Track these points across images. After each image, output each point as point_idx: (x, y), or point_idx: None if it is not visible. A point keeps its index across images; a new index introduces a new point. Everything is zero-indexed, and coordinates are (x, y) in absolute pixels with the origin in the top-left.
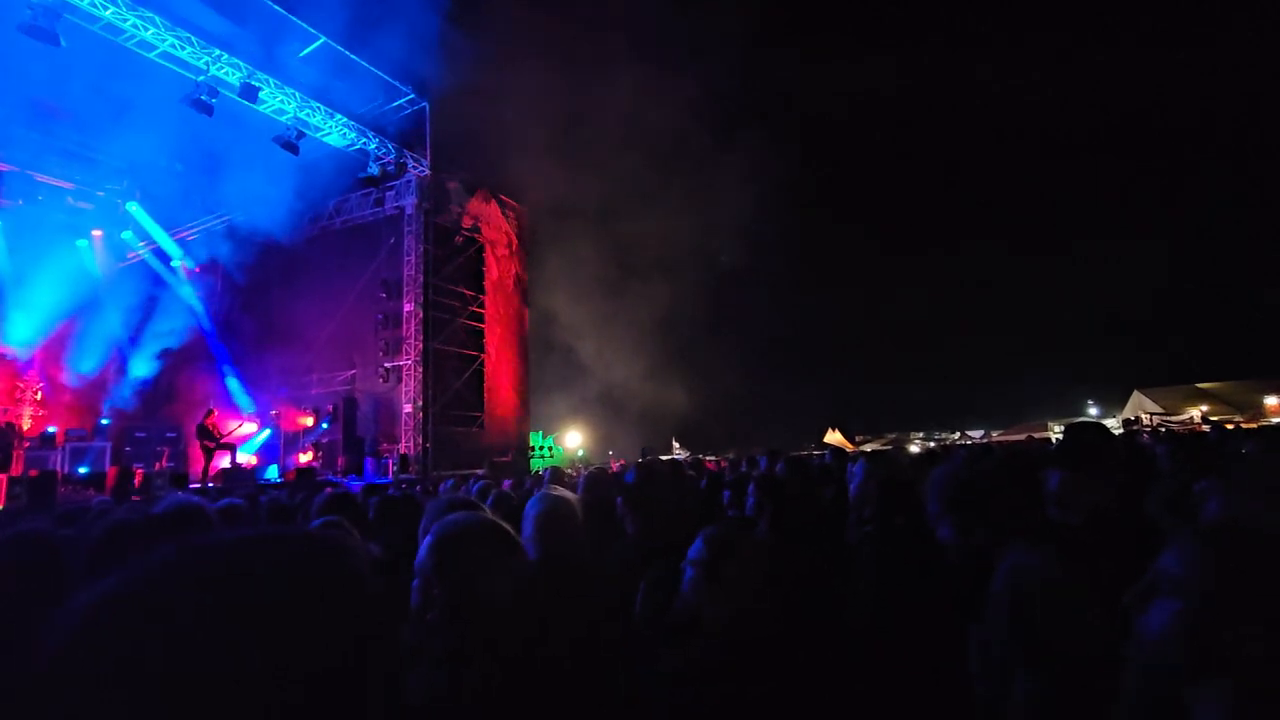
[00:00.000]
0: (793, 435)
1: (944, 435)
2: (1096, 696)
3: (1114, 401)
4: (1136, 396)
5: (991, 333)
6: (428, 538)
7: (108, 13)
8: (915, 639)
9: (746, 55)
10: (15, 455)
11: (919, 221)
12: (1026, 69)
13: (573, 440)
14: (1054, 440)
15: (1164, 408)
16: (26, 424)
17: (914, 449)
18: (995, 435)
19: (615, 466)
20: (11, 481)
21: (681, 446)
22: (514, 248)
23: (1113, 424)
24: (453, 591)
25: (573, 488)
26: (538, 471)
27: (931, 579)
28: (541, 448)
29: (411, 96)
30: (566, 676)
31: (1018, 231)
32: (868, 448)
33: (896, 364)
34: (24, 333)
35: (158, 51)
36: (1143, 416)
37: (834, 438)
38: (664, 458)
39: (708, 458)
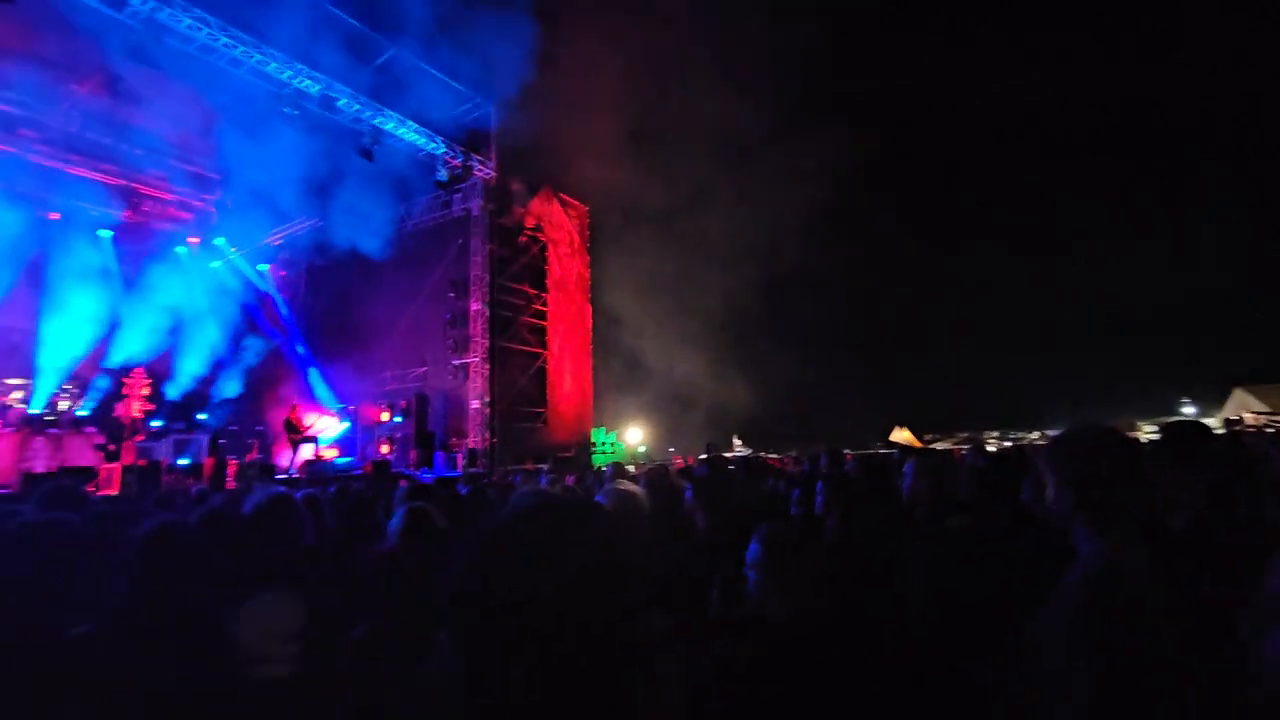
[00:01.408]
0: (858, 433)
1: (1020, 434)
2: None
3: (1210, 400)
4: (1238, 395)
5: (1073, 328)
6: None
7: (202, 33)
8: (968, 639)
9: (811, 50)
10: (126, 446)
11: (994, 212)
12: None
13: (634, 437)
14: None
15: (1271, 406)
16: (136, 418)
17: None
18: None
19: (677, 463)
20: (124, 470)
21: (743, 444)
22: (576, 246)
23: (1212, 424)
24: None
25: (634, 483)
26: (600, 467)
27: (987, 579)
28: (604, 444)
29: (477, 101)
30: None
31: (1099, 219)
32: (938, 447)
33: (969, 360)
34: (133, 334)
35: (246, 68)
36: (1245, 416)
37: (901, 436)
38: (726, 454)
39: (770, 455)
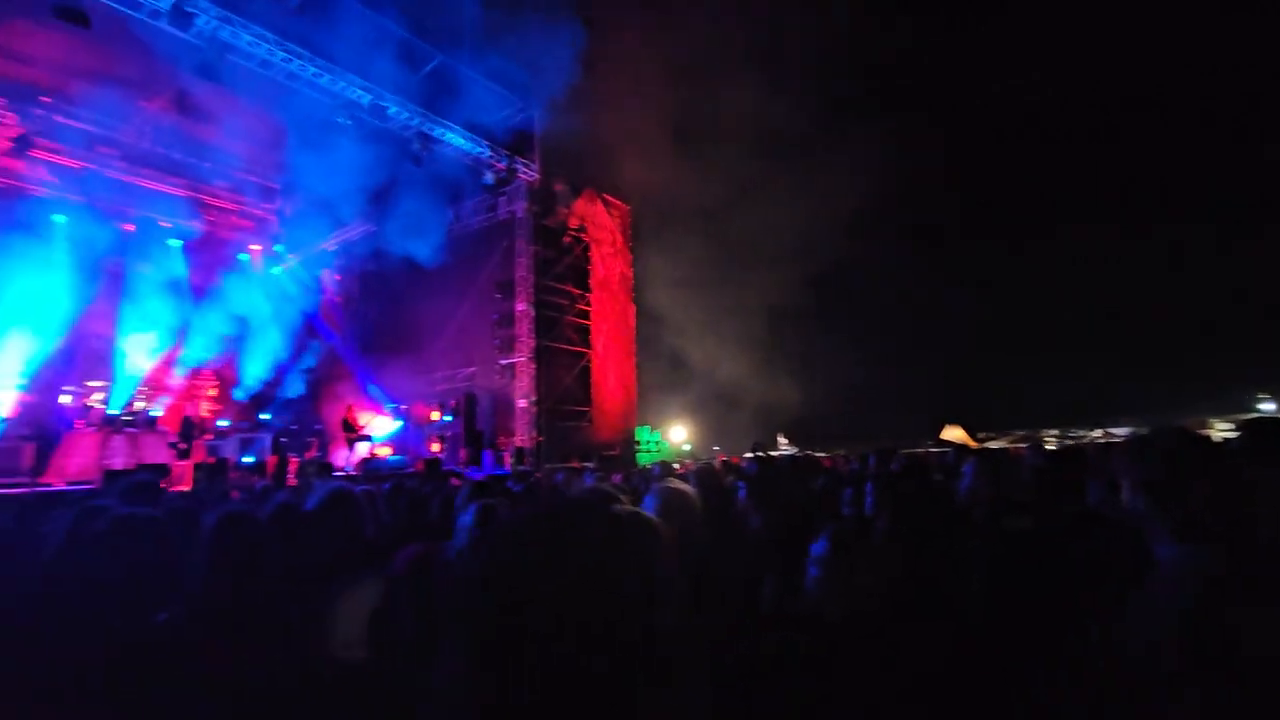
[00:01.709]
0: (908, 431)
1: (1082, 432)
2: None
3: None
4: None
5: (1137, 322)
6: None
7: (261, 49)
8: (1029, 642)
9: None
10: (196, 445)
11: (1053, 206)
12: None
13: (678, 435)
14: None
15: None
16: (204, 418)
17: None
18: (1133, 435)
19: (720, 461)
20: (195, 467)
21: (790, 442)
22: (618, 245)
23: None
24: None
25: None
26: (645, 465)
27: (1049, 581)
28: (648, 442)
29: (521, 104)
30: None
31: (1159, 211)
32: (992, 445)
33: (1026, 355)
34: (201, 338)
35: (301, 80)
36: None
37: (954, 434)
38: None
39: (818, 454)
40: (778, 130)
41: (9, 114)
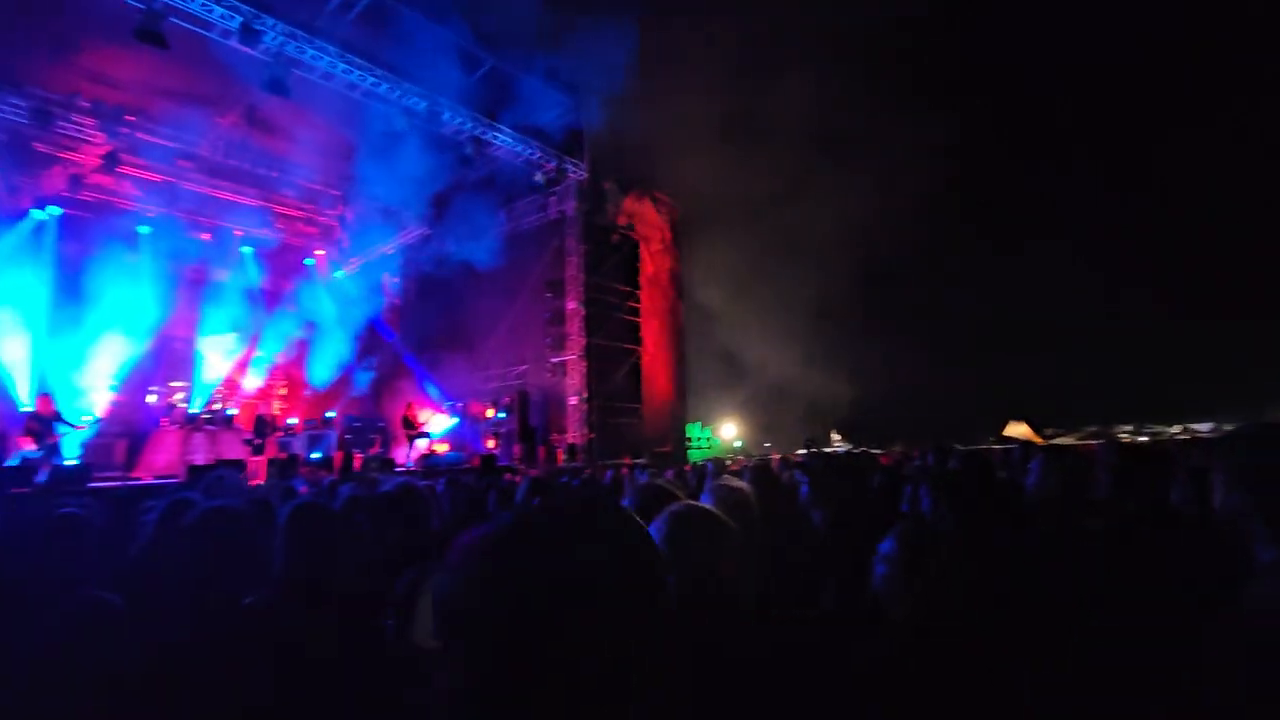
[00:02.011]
0: (968, 428)
1: (1160, 428)
2: None
3: None
4: None
5: (1215, 310)
6: (655, 525)
7: (323, 62)
8: (1104, 645)
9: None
10: (269, 441)
11: (1119, 188)
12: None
13: (728, 432)
14: None
15: None
16: (276, 416)
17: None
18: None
19: (776, 458)
20: (269, 463)
21: (843, 439)
22: (667, 243)
23: None
24: (685, 576)
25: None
26: (696, 462)
27: (1127, 583)
28: (698, 439)
29: (570, 104)
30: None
31: (1228, 194)
32: (1061, 442)
33: (1095, 349)
34: (272, 340)
35: (360, 91)
36: None
37: (1018, 430)
38: (825, 450)
39: (873, 451)
40: (830, 122)
41: (99, 133)
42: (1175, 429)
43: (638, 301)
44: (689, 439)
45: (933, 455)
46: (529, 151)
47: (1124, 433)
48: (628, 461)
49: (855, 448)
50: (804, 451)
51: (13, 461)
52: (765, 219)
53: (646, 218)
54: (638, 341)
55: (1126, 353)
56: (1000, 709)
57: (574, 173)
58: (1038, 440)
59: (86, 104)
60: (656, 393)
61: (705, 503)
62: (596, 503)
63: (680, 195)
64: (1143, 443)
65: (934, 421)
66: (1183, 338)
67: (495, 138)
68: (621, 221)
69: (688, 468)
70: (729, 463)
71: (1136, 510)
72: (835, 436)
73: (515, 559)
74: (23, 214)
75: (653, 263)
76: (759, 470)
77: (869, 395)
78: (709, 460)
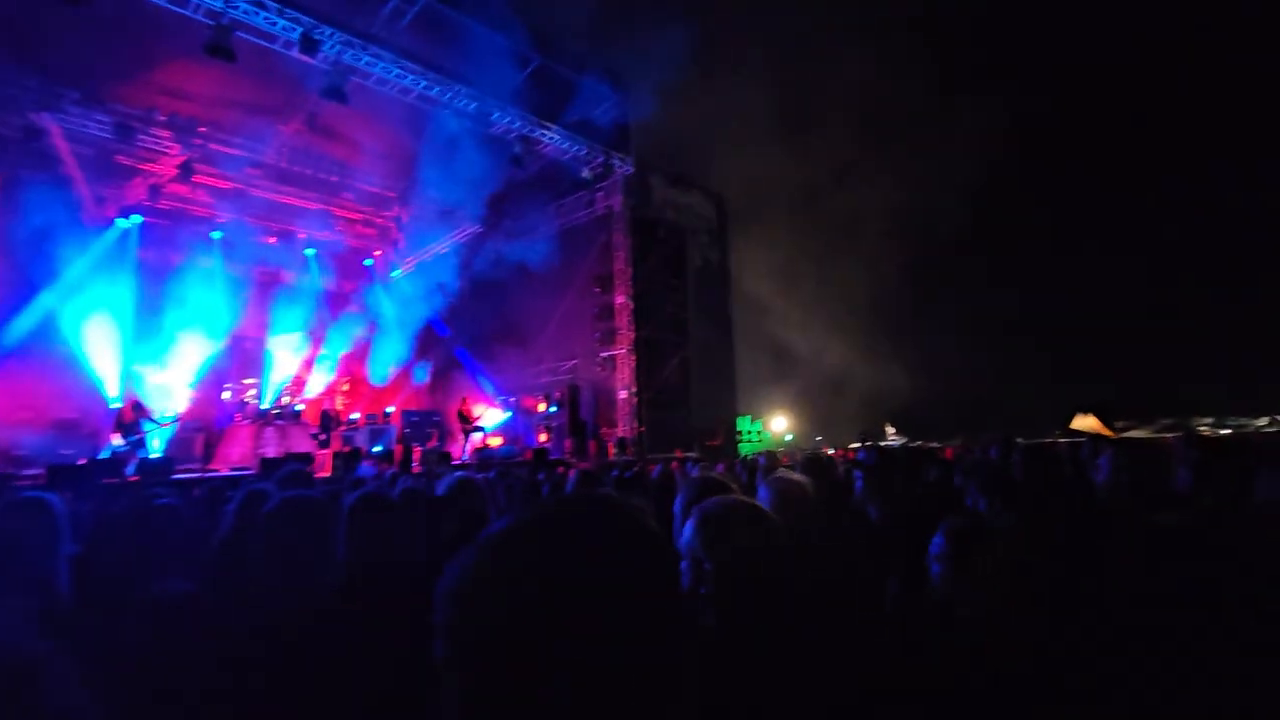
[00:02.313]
0: (1033, 420)
1: (1245, 421)
2: None
3: None
4: None
5: None
6: (693, 517)
7: (377, 68)
8: (1181, 649)
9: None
10: (334, 435)
11: (1192, 169)
12: None
13: (779, 425)
14: None
15: None
16: (339, 411)
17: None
18: None
19: (827, 451)
20: (334, 456)
21: (898, 432)
22: (714, 234)
23: None
24: (723, 568)
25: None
26: (747, 455)
27: (1208, 583)
28: (749, 432)
29: (615, 99)
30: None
31: None
32: (1134, 435)
33: (1173, 336)
34: (336, 339)
35: (413, 95)
36: None
37: (1086, 423)
38: (881, 444)
39: (931, 445)
40: (881, 106)
41: (174, 145)
42: (1261, 421)
43: (686, 294)
44: (739, 432)
45: (995, 449)
46: (576, 148)
47: (1203, 425)
48: (678, 455)
49: (911, 441)
50: (858, 445)
51: (104, 454)
52: (815, 208)
53: (694, 210)
54: (687, 334)
55: (1206, 341)
56: (1066, 712)
57: (620, 167)
58: (1108, 433)
59: (163, 117)
60: (706, 386)
61: (762, 496)
62: (601, 499)
63: (727, 186)
64: (1224, 435)
65: (996, 414)
66: (1270, 325)
67: (543, 135)
68: (668, 215)
69: (738, 461)
70: (781, 456)
71: (1216, 506)
72: (890, 430)
73: (511, 558)
74: (109, 223)
75: (700, 255)
76: (813, 463)
77: (925, 388)
78: (760, 454)
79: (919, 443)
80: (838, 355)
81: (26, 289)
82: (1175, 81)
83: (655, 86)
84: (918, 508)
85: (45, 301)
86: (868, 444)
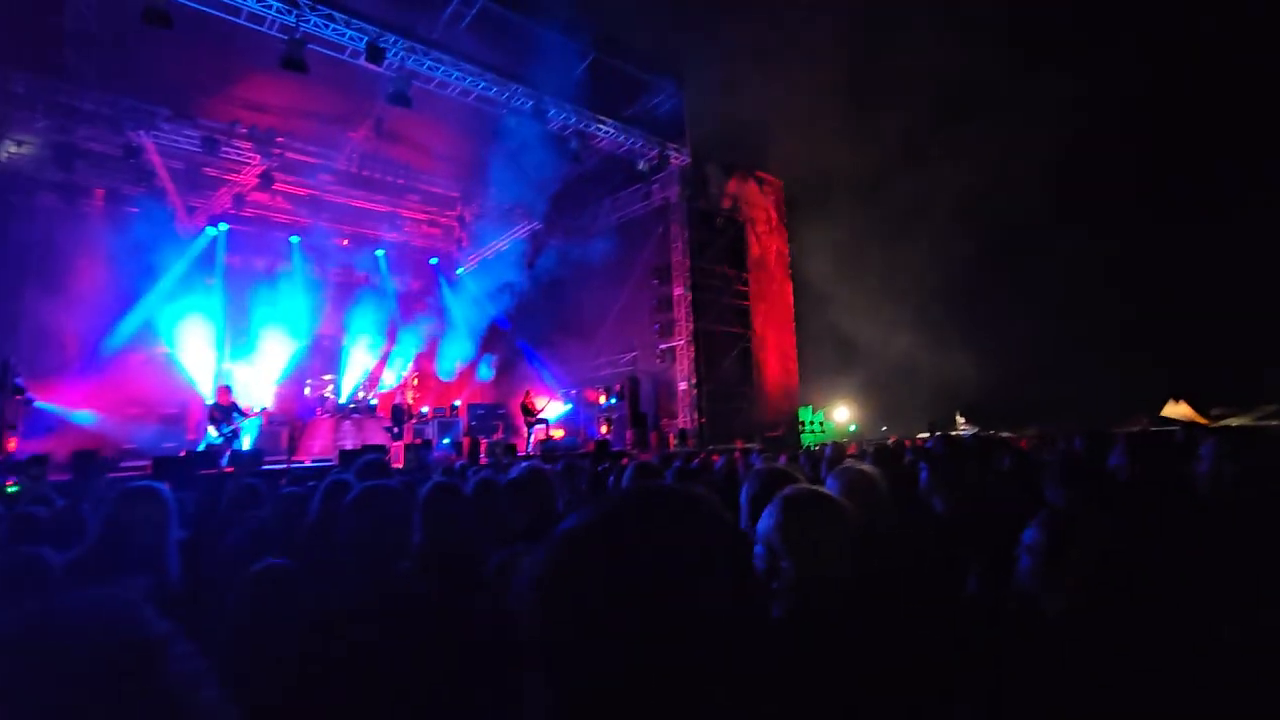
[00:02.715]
0: (1116, 408)
1: None
2: None
3: None
4: None
5: None
6: (771, 507)
7: (439, 71)
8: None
9: None
10: (406, 428)
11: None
12: None
13: (842, 415)
14: None
15: None
16: (410, 405)
17: None
18: None
19: (894, 442)
20: (405, 448)
21: (968, 422)
22: (773, 223)
23: None
24: (800, 560)
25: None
26: (811, 446)
27: None
28: (811, 423)
29: (670, 89)
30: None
31: None
32: (1232, 423)
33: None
34: (406, 335)
35: (473, 95)
36: None
37: (1178, 410)
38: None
39: (1004, 435)
40: (947, 82)
41: (255, 155)
42: None
43: (746, 285)
44: (802, 423)
45: (1080, 440)
46: (631, 140)
47: None
48: (739, 446)
49: (983, 431)
50: (927, 436)
51: (201, 447)
52: (881, 191)
53: (751, 199)
54: (747, 325)
55: None
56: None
57: (676, 158)
58: (1202, 421)
59: (244, 130)
60: (767, 377)
61: (829, 487)
62: (678, 490)
63: (786, 173)
64: None
65: (1074, 402)
66: None
67: (599, 130)
68: (726, 204)
69: (802, 452)
70: (848, 446)
71: None
72: (960, 420)
73: (595, 548)
74: (199, 231)
75: (759, 244)
76: (882, 453)
77: (997, 376)
78: (826, 444)
79: (991, 433)
80: (905, 343)
81: (130, 295)
82: (1276, 51)
83: (711, 75)
84: (991, 500)
85: (146, 306)
86: (937, 434)
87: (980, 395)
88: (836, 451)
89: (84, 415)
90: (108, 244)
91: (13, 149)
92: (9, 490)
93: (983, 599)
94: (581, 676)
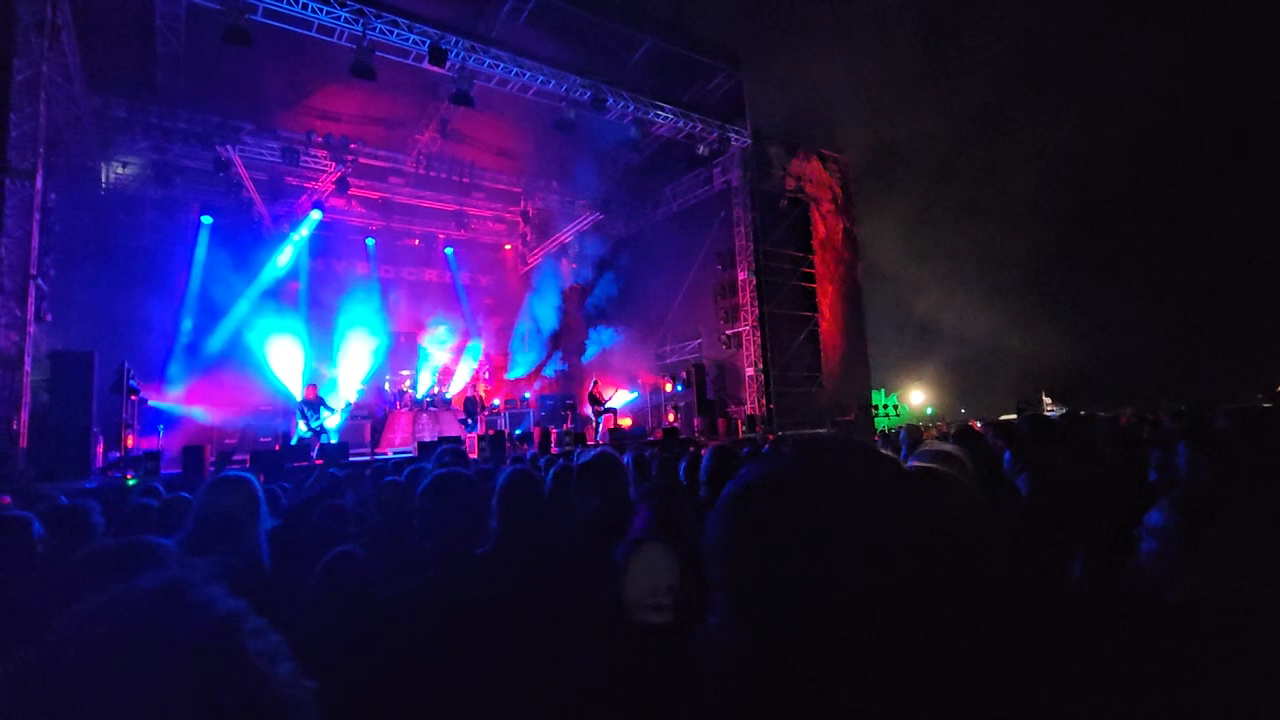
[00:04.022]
0: (1224, 385)
1: None
2: None
3: None
4: None
5: None
6: (917, 461)
7: (499, 69)
8: None
9: None
10: (480, 419)
11: None
12: None
13: (917, 398)
14: None
15: None
16: (483, 398)
17: None
18: None
19: (976, 427)
20: (479, 439)
21: (1055, 403)
22: (839, 202)
23: None
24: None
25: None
26: (886, 430)
27: None
28: (884, 406)
29: (728, 70)
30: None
31: None
32: None
33: None
34: (478, 331)
35: (532, 90)
36: None
37: None
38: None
39: (1098, 414)
40: (1025, 45)
41: (331, 162)
42: None
43: (812, 267)
44: (875, 406)
45: (1189, 417)
46: (691, 125)
47: None
48: (812, 431)
49: (1072, 411)
50: (1013, 417)
51: (293, 441)
52: (955, 163)
53: (816, 177)
54: (814, 308)
55: None
56: None
57: (737, 141)
58: None
59: (320, 139)
60: (837, 360)
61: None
62: (859, 445)
63: (854, 148)
64: None
65: (1178, 379)
66: None
67: (658, 116)
68: (789, 185)
69: (876, 436)
70: (926, 430)
71: None
72: (1047, 400)
73: (770, 504)
74: (284, 237)
75: (825, 224)
76: (965, 435)
77: (1084, 353)
78: (902, 427)
79: (1082, 413)
80: (984, 322)
81: (225, 299)
82: None
83: (771, 53)
84: (1092, 482)
85: (240, 309)
86: (1025, 414)
87: (1068, 374)
88: (913, 434)
89: (191, 411)
90: (204, 252)
91: (119, 169)
92: (129, 483)
93: (1091, 585)
94: (774, 613)
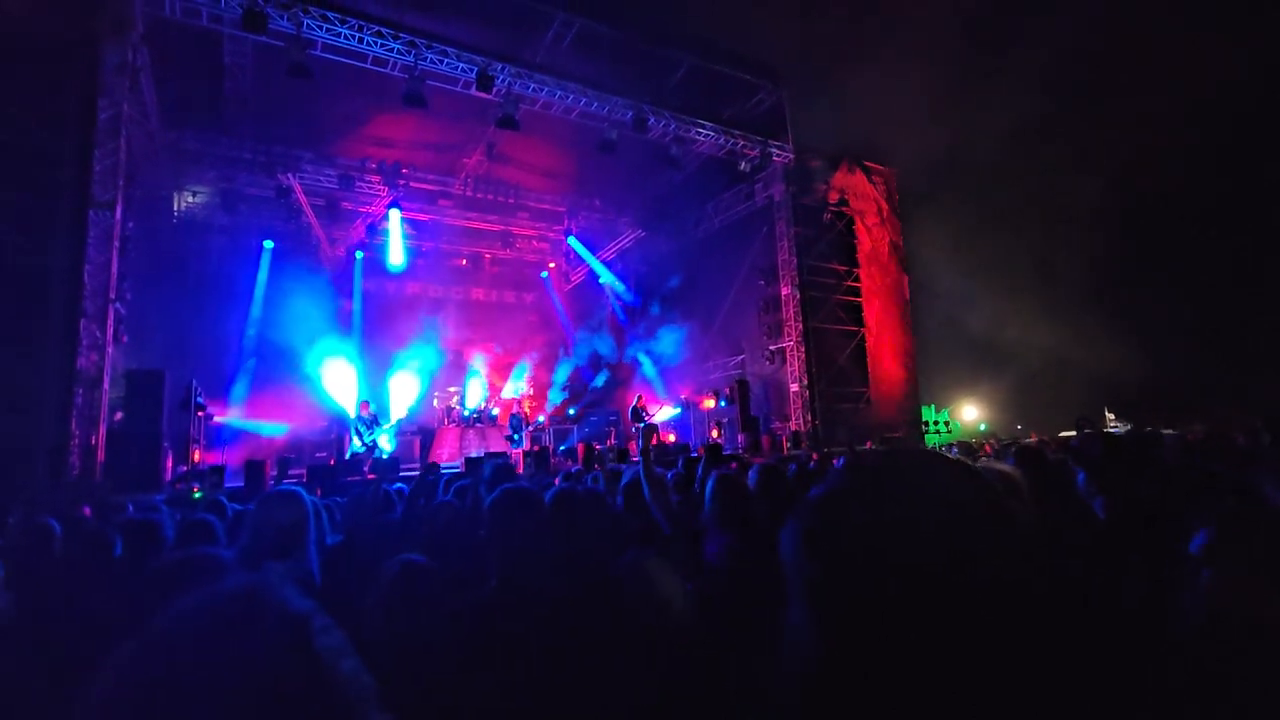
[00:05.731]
0: None
1: None
2: None
3: None
4: None
5: None
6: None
7: (544, 92)
8: None
9: None
10: (525, 436)
11: None
12: None
13: (969, 414)
14: None
15: None
16: (527, 414)
17: None
18: None
19: (1033, 440)
20: (524, 455)
21: (1118, 419)
22: (885, 214)
23: None
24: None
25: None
26: (936, 447)
27: None
28: (935, 422)
29: (769, 85)
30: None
31: None
32: None
33: None
34: (524, 348)
35: (575, 112)
36: None
37: None
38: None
39: (1165, 431)
40: (1080, 44)
41: (383, 187)
42: None
43: (857, 280)
44: (925, 423)
45: (1269, 434)
46: (732, 142)
47: None
48: (866, 448)
49: (1138, 428)
50: (1074, 434)
51: (347, 456)
52: (1005, 171)
53: (859, 190)
54: (860, 322)
55: None
56: None
57: (778, 156)
58: None
59: (374, 165)
60: (884, 375)
61: None
62: (932, 456)
63: (898, 160)
64: None
65: (1254, 391)
66: None
67: (699, 134)
68: (832, 198)
69: None
70: (979, 447)
71: None
72: (1110, 416)
73: (842, 513)
74: (340, 260)
75: (870, 238)
76: (1026, 453)
77: (1148, 368)
78: (954, 444)
79: (1149, 429)
80: (1042, 336)
81: (287, 319)
82: None
83: (812, 66)
84: (1160, 501)
85: (301, 329)
86: (1088, 432)
87: (1131, 390)
88: (965, 451)
89: (254, 426)
90: (265, 274)
91: (189, 198)
92: (195, 496)
93: (1148, 608)
94: (849, 612)
